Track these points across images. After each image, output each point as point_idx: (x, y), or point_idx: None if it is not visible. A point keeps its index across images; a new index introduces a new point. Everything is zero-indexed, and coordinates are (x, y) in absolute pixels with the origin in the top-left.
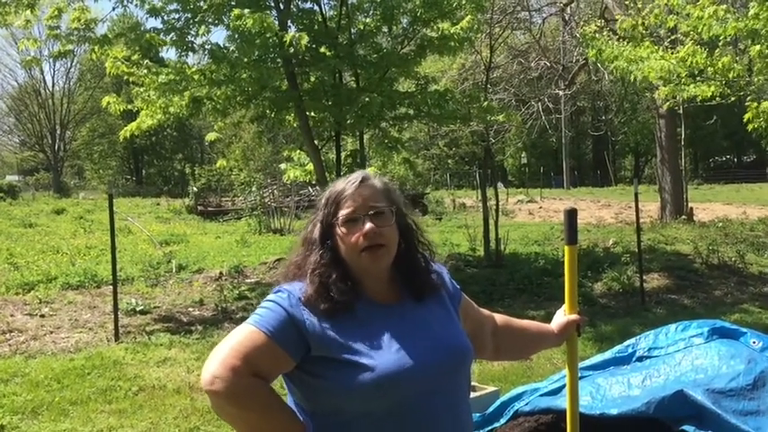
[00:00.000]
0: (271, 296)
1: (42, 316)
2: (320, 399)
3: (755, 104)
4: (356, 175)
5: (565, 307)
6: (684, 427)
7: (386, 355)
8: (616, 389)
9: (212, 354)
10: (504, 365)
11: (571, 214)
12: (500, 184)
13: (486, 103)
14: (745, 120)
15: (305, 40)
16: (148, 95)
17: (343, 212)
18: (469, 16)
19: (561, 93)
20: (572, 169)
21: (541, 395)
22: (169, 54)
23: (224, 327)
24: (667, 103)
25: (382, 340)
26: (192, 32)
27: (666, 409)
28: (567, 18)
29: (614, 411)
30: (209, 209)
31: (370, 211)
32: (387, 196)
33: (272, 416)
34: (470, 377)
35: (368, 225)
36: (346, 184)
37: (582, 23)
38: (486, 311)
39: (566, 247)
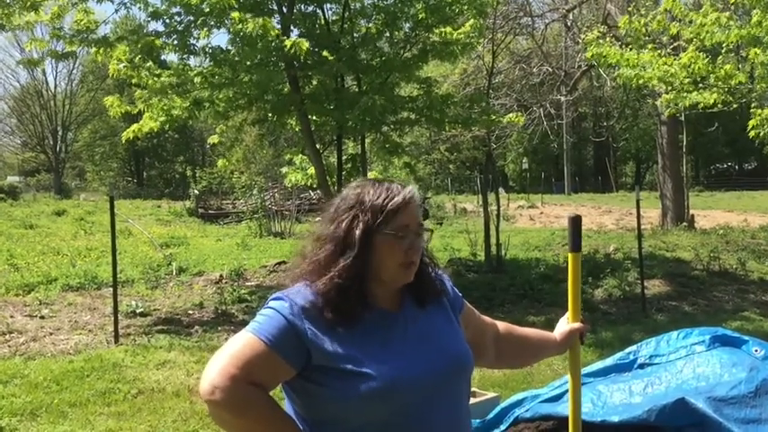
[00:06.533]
0: (271, 303)
1: (42, 317)
2: (321, 407)
3: (759, 111)
4: (409, 190)
5: (568, 315)
6: None
7: (388, 364)
8: (617, 396)
9: (210, 362)
10: (504, 371)
11: (575, 221)
12: (501, 190)
13: (486, 106)
14: (749, 127)
15: (305, 46)
16: (150, 98)
17: (397, 224)
18: (472, 20)
19: (563, 98)
20: (573, 175)
21: (542, 401)
22: (171, 57)
23: (224, 330)
24: (669, 110)
25: (384, 349)
26: (194, 35)
27: (668, 417)
28: (569, 24)
29: (615, 419)
30: (210, 212)
31: (419, 229)
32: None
33: (271, 425)
34: (471, 384)
35: (415, 243)
36: (398, 195)
37: (584, 29)
38: (488, 319)
39: (569, 254)
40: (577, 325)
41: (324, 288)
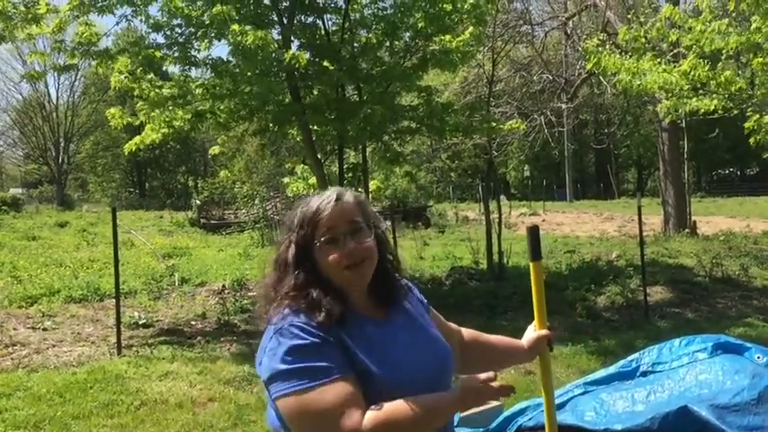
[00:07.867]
0: (297, 343)
1: (45, 329)
2: None
3: (757, 116)
4: (330, 193)
5: (534, 323)
6: None
7: (384, 365)
8: (620, 404)
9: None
10: (508, 380)
11: (533, 231)
12: (503, 197)
13: (487, 114)
14: (746, 130)
15: (304, 59)
16: (152, 110)
17: (322, 234)
18: (471, 28)
19: (564, 106)
20: (575, 182)
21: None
22: (173, 69)
23: (226, 340)
24: (669, 117)
25: (377, 351)
26: (195, 47)
27: (671, 425)
28: (569, 32)
29: (618, 427)
30: (212, 222)
31: (350, 228)
32: (361, 211)
33: (417, 406)
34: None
35: (350, 245)
36: (321, 203)
37: (584, 37)
38: (453, 325)
39: (531, 263)
40: (544, 332)
41: (295, 304)
